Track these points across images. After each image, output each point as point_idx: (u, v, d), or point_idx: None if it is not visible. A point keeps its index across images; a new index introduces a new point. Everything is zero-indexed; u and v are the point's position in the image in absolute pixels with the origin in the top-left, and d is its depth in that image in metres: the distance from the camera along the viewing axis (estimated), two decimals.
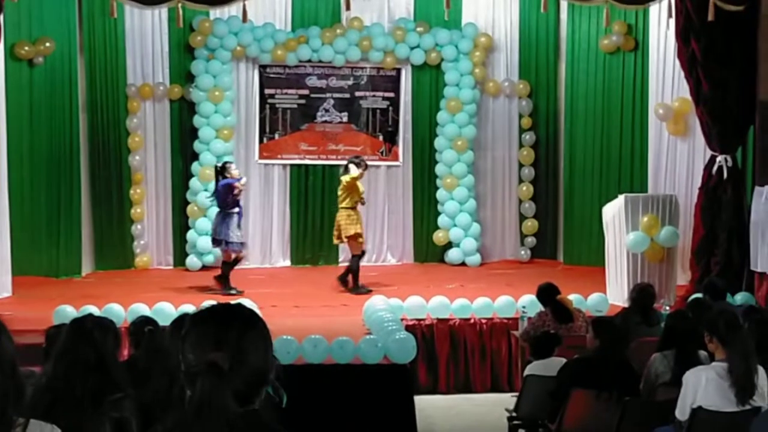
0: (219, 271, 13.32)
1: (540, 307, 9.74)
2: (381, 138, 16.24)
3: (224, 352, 2.66)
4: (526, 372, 8.40)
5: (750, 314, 7.77)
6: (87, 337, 4.79)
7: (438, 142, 15.98)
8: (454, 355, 11.20)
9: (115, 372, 4.78)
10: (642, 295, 9.37)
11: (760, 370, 6.19)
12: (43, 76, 14.31)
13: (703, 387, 6.14)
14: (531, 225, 16.44)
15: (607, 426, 7.05)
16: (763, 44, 11.51)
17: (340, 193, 13.28)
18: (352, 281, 13.20)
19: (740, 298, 11.06)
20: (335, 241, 13.60)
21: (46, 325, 7.38)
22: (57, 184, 14.48)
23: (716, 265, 12.08)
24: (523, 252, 16.42)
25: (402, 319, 10.70)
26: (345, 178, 13.16)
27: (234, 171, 13.32)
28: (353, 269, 13.25)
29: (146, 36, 15.54)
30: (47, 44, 14.05)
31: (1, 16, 11.18)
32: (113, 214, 15.46)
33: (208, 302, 7.08)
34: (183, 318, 5.52)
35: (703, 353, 6.95)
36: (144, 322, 6.86)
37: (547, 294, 9.61)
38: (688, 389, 6.23)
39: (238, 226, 13.12)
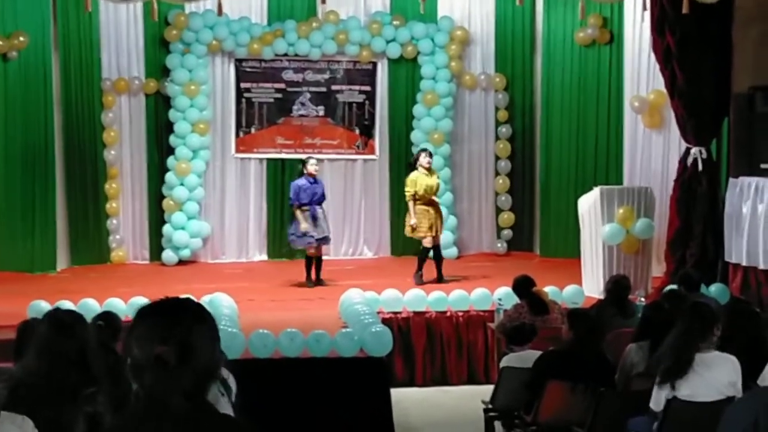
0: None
1: (516, 300, 9.76)
2: (357, 131, 16.23)
3: (170, 347, 2.62)
4: (502, 364, 8.41)
5: (734, 306, 7.83)
6: (68, 332, 4.76)
7: (414, 136, 15.98)
8: (430, 347, 11.21)
9: (94, 366, 4.75)
10: (617, 287, 9.41)
11: (734, 359, 6.23)
12: (17, 71, 14.22)
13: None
14: (507, 218, 16.48)
15: (582, 417, 7.08)
16: (737, 36, 11.54)
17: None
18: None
19: (715, 289, 11.10)
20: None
21: (20, 320, 7.33)
22: (32, 179, 14.40)
23: (691, 257, 12.12)
24: (499, 245, 16.46)
25: (378, 313, 10.71)
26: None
27: (309, 167, 13.27)
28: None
29: (121, 30, 15.49)
30: (21, 39, 13.95)
31: None
32: (88, 209, 15.40)
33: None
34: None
35: None
36: (97, 317, 6.85)
37: (523, 286, 9.65)
38: None
39: (313, 220, 13.05)
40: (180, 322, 2.68)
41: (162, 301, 2.77)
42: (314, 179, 13.20)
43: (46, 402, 4.41)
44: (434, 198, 13.18)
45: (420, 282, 12.94)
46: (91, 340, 4.90)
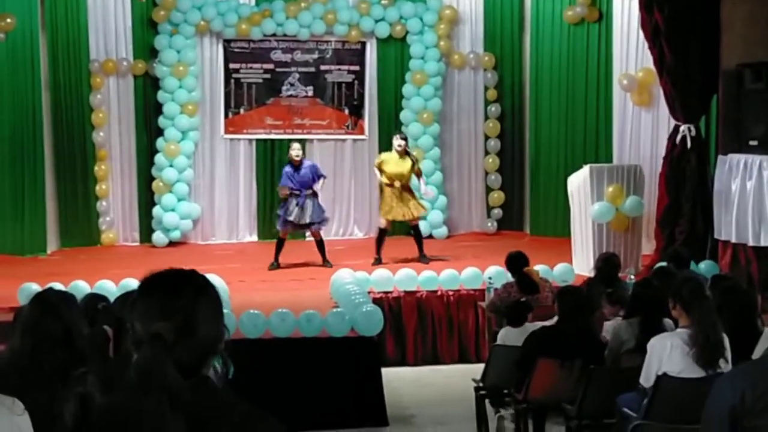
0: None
1: (507, 276, 9.78)
2: (347, 112, 16.21)
3: (170, 323, 2.58)
4: (500, 340, 8.44)
5: (717, 282, 7.84)
6: (53, 311, 4.74)
7: (404, 115, 15.97)
8: (421, 327, 11.24)
9: (81, 346, 4.74)
10: (607, 265, 9.42)
11: (725, 336, 6.25)
12: (4, 53, 14.15)
13: (668, 353, 6.19)
14: (497, 197, 16.49)
15: (572, 394, 7.10)
16: (725, 14, 11.54)
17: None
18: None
19: (704, 266, 11.14)
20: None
21: (11, 303, 7.35)
22: (20, 162, 14.36)
23: (681, 234, 12.15)
24: (489, 224, 16.47)
25: (369, 292, 10.72)
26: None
27: (290, 153, 13.30)
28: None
29: (109, 11, 15.42)
30: (8, 20, 13.85)
31: None
32: (78, 191, 15.38)
33: None
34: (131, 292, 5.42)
35: (668, 321, 7.00)
36: (94, 298, 6.83)
37: (517, 262, 9.63)
38: (653, 356, 6.28)
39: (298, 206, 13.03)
40: (182, 297, 2.63)
41: (164, 274, 2.72)
42: (296, 165, 13.11)
43: (35, 384, 4.40)
44: (391, 182, 13.09)
45: (376, 263, 12.88)
46: (77, 319, 4.87)
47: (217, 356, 2.70)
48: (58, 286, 9.52)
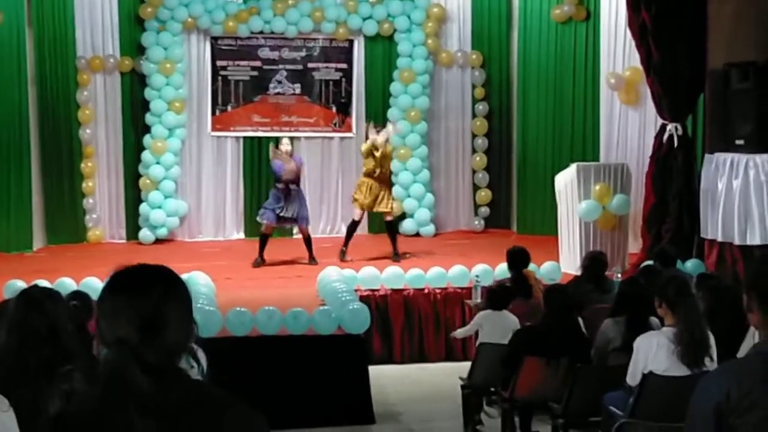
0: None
1: (495, 275, 9.79)
2: (334, 109, 16.20)
3: (136, 325, 2.49)
4: (476, 320, 8.50)
5: (702, 281, 7.86)
6: (38, 307, 4.72)
7: (391, 113, 15.94)
8: (408, 324, 11.23)
9: (67, 342, 4.72)
10: (594, 263, 9.43)
11: (710, 334, 6.26)
12: None
13: (654, 352, 6.21)
14: (484, 195, 16.50)
15: (558, 392, 7.12)
16: (712, 13, 11.55)
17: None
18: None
19: (691, 265, 11.17)
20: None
21: None
22: (6, 159, 14.29)
23: (667, 233, 12.18)
24: (476, 222, 16.48)
25: (356, 290, 10.72)
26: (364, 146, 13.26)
27: (281, 147, 13.24)
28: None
29: (95, 8, 15.38)
30: None
31: None
32: (64, 188, 15.34)
33: None
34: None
35: (654, 319, 7.01)
36: (69, 297, 6.82)
37: (518, 259, 9.56)
38: (639, 354, 6.30)
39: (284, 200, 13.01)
40: (150, 296, 2.55)
41: (132, 271, 2.62)
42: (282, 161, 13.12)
43: (20, 380, 4.38)
44: (380, 171, 13.18)
45: (342, 258, 12.97)
46: (63, 316, 4.84)
47: (186, 354, 2.62)
48: (44, 283, 9.51)
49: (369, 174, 13.13)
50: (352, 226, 13.40)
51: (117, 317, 2.53)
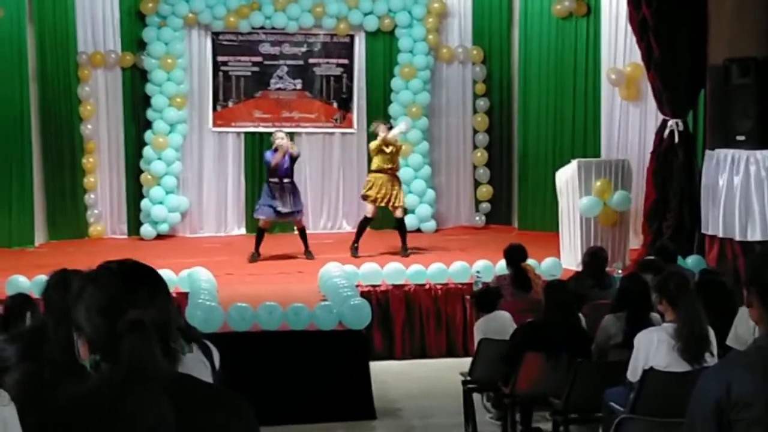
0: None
1: (495, 270, 9.79)
2: (335, 105, 16.21)
3: (142, 309, 2.46)
4: (476, 333, 8.50)
5: (704, 276, 7.88)
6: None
7: (392, 109, 15.96)
8: (409, 320, 11.23)
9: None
10: (594, 259, 9.44)
11: (711, 330, 6.27)
12: None
13: (655, 348, 6.21)
14: (485, 191, 16.51)
15: (559, 388, 7.13)
16: (712, 8, 11.56)
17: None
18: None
19: (691, 261, 11.17)
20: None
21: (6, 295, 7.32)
22: (8, 154, 14.29)
23: (668, 229, 12.18)
24: (477, 218, 16.49)
25: (357, 286, 10.72)
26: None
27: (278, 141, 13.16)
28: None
29: (97, 3, 15.38)
30: None
31: None
32: (66, 183, 15.34)
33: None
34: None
35: (654, 315, 7.02)
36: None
37: (515, 255, 9.61)
38: (639, 350, 6.31)
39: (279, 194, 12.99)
40: (142, 288, 2.55)
41: (112, 266, 2.61)
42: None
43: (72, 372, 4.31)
44: (391, 166, 13.20)
45: (354, 255, 12.97)
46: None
47: (179, 338, 2.62)
48: (46, 278, 9.53)
49: (380, 170, 13.13)
50: (365, 222, 13.38)
51: (116, 304, 2.49)
